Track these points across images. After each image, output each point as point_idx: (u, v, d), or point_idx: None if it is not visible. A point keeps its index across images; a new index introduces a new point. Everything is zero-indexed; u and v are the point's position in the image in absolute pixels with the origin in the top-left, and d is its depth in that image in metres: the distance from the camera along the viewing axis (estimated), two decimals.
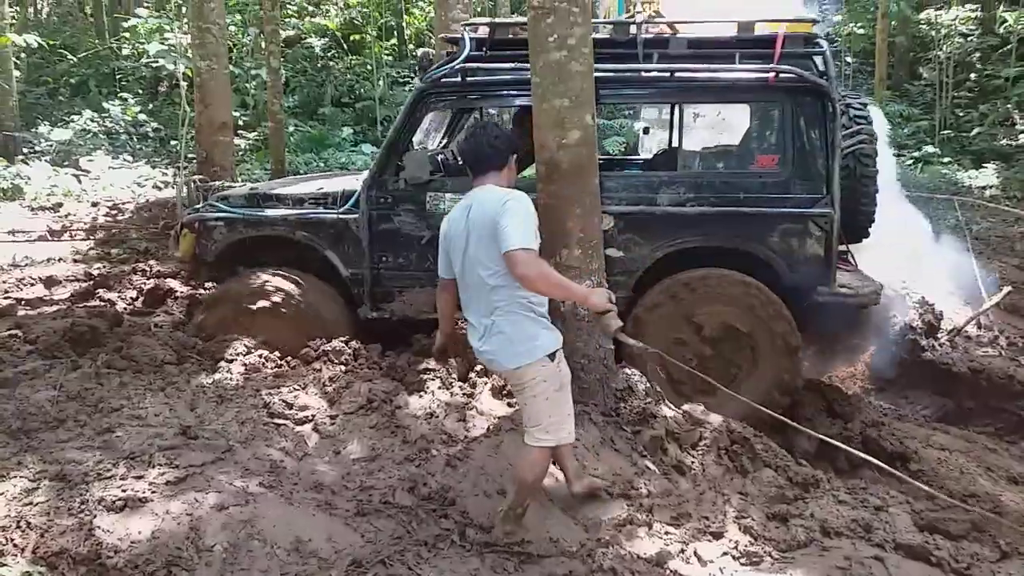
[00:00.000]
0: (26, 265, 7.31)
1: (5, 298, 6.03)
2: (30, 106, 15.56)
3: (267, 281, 4.60)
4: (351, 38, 18.25)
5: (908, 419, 5.04)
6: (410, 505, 3.09)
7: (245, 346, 4.45)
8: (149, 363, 4.20)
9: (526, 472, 2.85)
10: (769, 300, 4.20)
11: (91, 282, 6.45)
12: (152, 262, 7.28)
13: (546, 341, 2.80)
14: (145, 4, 17.88)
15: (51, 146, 13.21)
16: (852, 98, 5.08)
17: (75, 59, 17.23)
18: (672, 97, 4.99)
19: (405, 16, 19.00)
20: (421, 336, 4.55)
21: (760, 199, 4.24)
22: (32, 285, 6.53)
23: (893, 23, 15.73)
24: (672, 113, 5.77)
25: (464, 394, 4.07)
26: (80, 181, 11.77)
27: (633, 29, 4.33)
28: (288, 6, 18.15)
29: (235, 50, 16.10)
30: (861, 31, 16.78)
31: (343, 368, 4.31)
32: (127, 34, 15.94)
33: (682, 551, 2.92)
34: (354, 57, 18.03)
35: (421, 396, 3.97)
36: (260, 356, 4.39)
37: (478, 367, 4.18)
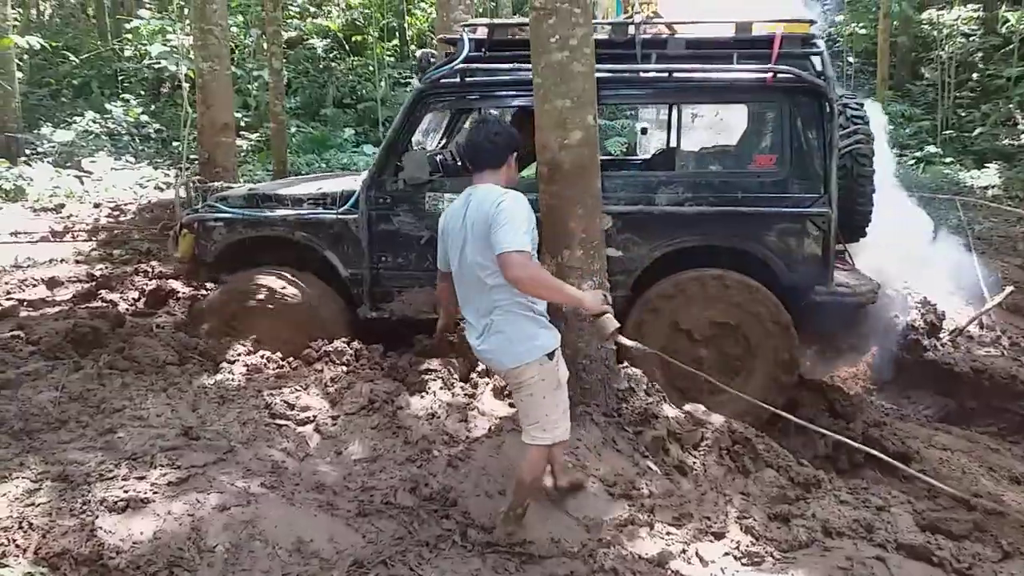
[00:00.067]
0: (28, 266, 7.33)
1: (8, 299, 6.05)
2: (33, 107, 15.59)
3: (266, 281, 4.60)
4: (353, 39, 18.28)
5: (910, 419, 5.04)
6: (411, 506, 3.10)
7: (247, 347, 4.46)
8: (151, 364, 4.20)
9: (524, 472, 2.86)
10: (744, 285, 4.21)
11: (93, 283, 6.45)
12: (154, 263, 7.29)
13: (545, 341, 2.80)
14: (147, 6, 17.92)
15: (53, 147, 13.24)
16: (849, 98, 5.09)
17: (77, 60, 17.25)
18: (670, 97, 4.99)
19: (407, 17, 19.01)
20: (423, 337, 4.56)
21: (758, 199, 4.25)
22: (34, 286, 6.55)
23: (895, 23, 15.71)
24: (670, 113, 5.77)
25: (466, 395, 4.07)
26: (82, 182, 11.80)
27: (631, 30, 4.33)
28: (290, 7, 18.17)
29: (237, 51, 16.13)
30: (863, 31, 16.77)
31: (345, 369, 4.31)
32: (129, 35, 15.98)
33: (684, 551, 2.92)
34: (356, 58, 18.05)
35: (423, 397, 3.97)
36: (262, 357, 4.40)
37: (479, 367, 4.19)
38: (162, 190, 11.87)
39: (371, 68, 17.00)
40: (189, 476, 3.02)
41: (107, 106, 14.94)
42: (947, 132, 14.54)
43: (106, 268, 7.17)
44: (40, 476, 2.93)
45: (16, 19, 16.27)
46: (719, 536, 3.03)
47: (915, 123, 15.15)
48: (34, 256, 7.64)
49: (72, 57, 17.11)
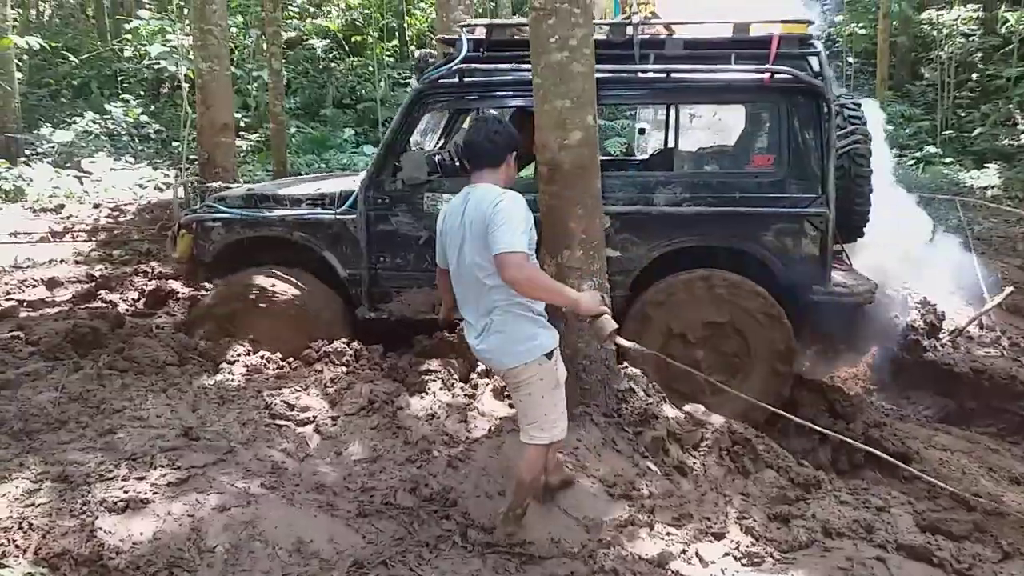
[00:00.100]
0: (28, 267, 7.32)
1: (7, 299, 6.04)
2: (32, 108, 15.58)
3: (265, 281, 4.59)
4: (352, 39, 18.27)
5: (910, 420, 5.04)
6: (411, 506, 3.10)
7: (246, 347, 4.46)
8: (151, 364, 4.20)
9: (523, 471, 2.86)
10: (730, 282, 4.22)
11: (93, 283, 6.45)
12: (154, 263, 7.29)
13: (545, 340, 2.80)
14: (147, 6, 17.90)
15: (53, 148, 13.22)
16: (846, 98, 5.09)
17: (77, 61, 17.24)
18: (668, 98, 4.99)
19: (406, 17, 19.01)
20: (422, 337, 4.56)
21: (756, 199, 4.26)
22: (34, 287, 6.55)
23: (894, 23, 15.72)
24: (668, 114, 5.77)
25: (465, 395, 4.07)
26: (82, 183, 11.78)
27: (629, 30, 4.34)
28: (290, 8, 18.17)
29: (237, 52, 16.11)
30: (862, 31, 16.77)
31: (344, 369, 4.31)
32: (129, 36, 15.97)
33: (684, 552, 2.92)
34: (355, 58, 18.04)
35: (422, 397, 3.97)
36: (262, 357, 4.40)
37: (479, 368, 4.19)
38: (162, 190, 11.86)
39: (371, 68, 16.99)
40: (189, 476, 3.02)
41: (107, 106, 14.92)
42: (947, 132, 14.54)
43: (106, 268, 7.17)
44: (40, 476, 2.92)
45: (16, 19, 16.28)
46: (719, 536, 3.03)
47: (915, 123, 15.15)
48: (34, 256, 7.64)
49: (72, 57, 17.11)
